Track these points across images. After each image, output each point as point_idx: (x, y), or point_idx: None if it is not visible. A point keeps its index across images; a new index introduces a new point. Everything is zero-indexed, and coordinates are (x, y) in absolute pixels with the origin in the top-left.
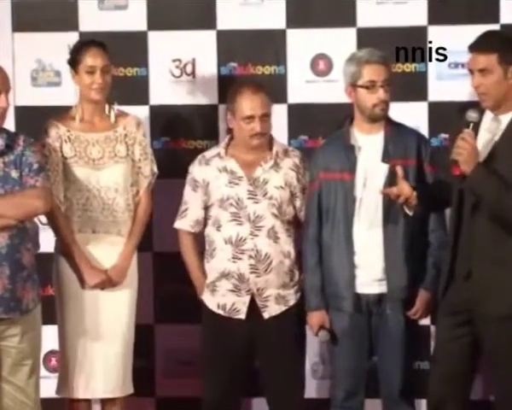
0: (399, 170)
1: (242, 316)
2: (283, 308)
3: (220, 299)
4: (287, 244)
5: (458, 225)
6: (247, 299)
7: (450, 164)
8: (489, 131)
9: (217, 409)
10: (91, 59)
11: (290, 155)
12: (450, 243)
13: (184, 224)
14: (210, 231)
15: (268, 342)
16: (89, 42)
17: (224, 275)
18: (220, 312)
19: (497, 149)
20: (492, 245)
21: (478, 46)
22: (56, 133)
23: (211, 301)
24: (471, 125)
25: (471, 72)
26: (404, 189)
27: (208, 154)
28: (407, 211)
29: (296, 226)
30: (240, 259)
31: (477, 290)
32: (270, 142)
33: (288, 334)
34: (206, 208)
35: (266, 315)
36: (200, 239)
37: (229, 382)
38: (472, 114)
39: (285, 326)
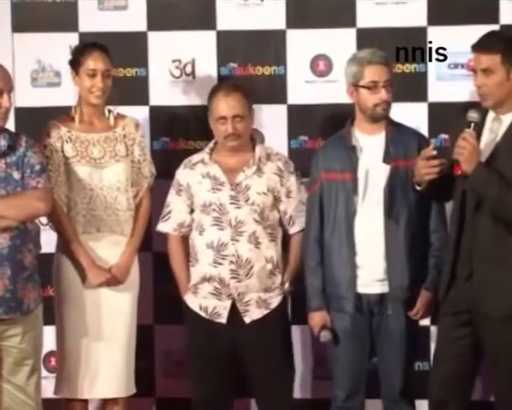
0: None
1: (223, 320)
2: (265, 312)
3: (202, 301)
4: (269, 249)
5: (461, 224)
6: (227, 304)
7: (452, 164)
8: (491, 131)
9: (205, 409)
10: (93, 62)
11: (273, 160)
12: (452, 242)
13: (167, 227)
14: (193, 235)
15: (251, 346)
16: (92, 44)
17: (206, 279)
18: (202, 314)
19: (498, 149)
20: (494, 244)
21: (481, 46)
22: (57, 134)
23: (193, 301)
24: (472, 124)
25: (474, 71)
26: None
27: (194, 158)
28: (417, 186)
29: (282, 230)
30: (221, 264)
31: (478, 290)
32: (252, 144)
33: (272, 337)
34: (192, 212)
35: (248, 320)
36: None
37: (217, 382)
38: (472, 114)
39: (268, 330)
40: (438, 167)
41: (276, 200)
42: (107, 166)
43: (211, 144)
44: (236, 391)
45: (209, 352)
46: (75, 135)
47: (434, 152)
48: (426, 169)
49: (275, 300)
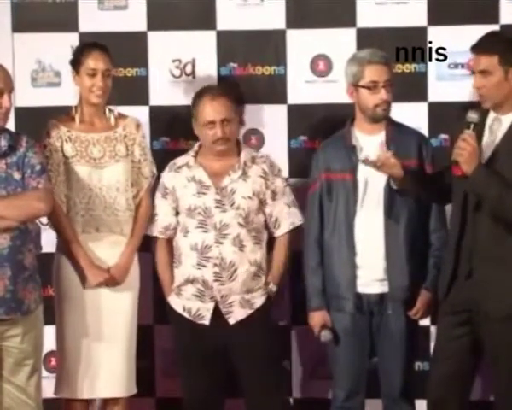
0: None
1: (206, 322)
2: (249, 312)
3: (186, 302)
4: (254, 252)
5: (462, 225)
6: (210, 306)
7: (451, 164)
8: (491, 131)
9: (196, 409)
10: (93, 61)
11: (258, 162)
12: (452, 243)
13: (154, 230)
14: (178, 237)
15: (237, 346)
16: (92, 44)
17: (189, 281)
18: (186, 315)
19: (498, 150)
20: (494, 244)
21: (479, 47)
22: (57, 133)
23: (177, 303)
24: (472, 125)
25: (473, 72)
26: (385, 157)
27: (179, 161)
28: (392, 184)
29: (268, 232)
30: (204, 266)
31: (478, 290)
32: (238, 148)
33: (257, 336)
34: (178, 215)
35: (232, 321)
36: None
37: (205, 381)
38: (472, 115)
39: (252, 329)
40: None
41: (262, 203)
42: (107, 167)
43: (195, 147)
44: (229, 391)
45: (195, 352)
46: (75, 135)
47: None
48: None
49: (258, 300)
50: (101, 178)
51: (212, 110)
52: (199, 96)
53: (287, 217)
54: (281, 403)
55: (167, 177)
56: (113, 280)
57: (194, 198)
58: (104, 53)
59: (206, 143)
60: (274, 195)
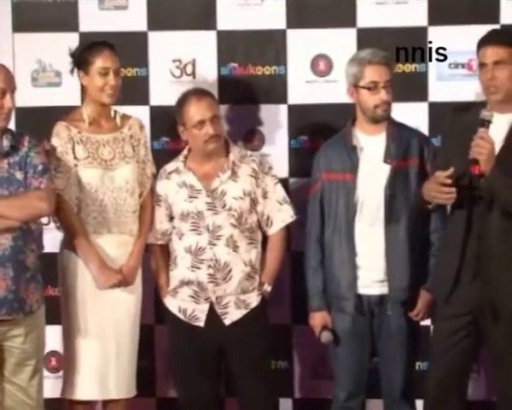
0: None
1: (201, 324)
2: (244, 312)
3: (181, 303)
4: (248, 252)
5: (468, 227)
6: (205, 307)
7: (469, 163)
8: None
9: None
10: (105, 60)
11: (248, 162)
12: (457, 245)
13: (151, 238)
14: (173, 239)
15: (233, 347)
16: (101, 43)
17: (184, 283)
18: (181, 316)
19: (504, 148)
20: (505, 244)
21: (493, 39)
22: (68, 135)
23: (172, 303)
24: (486, 123)
25: (483, 65)
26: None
27: (168, 167)
28: (428, 205)
29: (262, 232)
30: (198, 268)
31: (488, 290)
32: (226, 148)
33: (252, 336)
34: (172, 219)
35: (227, 322)
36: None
37: (202, 383)
38: (487, 113)
39: (248, 329)
40: (447, 195)
41: (254, 202)
42: (118, 168)
43: (185, 152)
44: (229, 391)
45: (191, 353)
46: (85, 136)
47: (449, 181)
48: (434, 193)
49: (254, 300)
50: (113, 181)
51: (200, 110)
52: (183, 101)
53: (278, 215)
54: (272, 403)
55: (159, 184)
56: (124, 281)
57: (186, 203)
58: (114, 51)
59: (197, 144)
60: (265, 193)
